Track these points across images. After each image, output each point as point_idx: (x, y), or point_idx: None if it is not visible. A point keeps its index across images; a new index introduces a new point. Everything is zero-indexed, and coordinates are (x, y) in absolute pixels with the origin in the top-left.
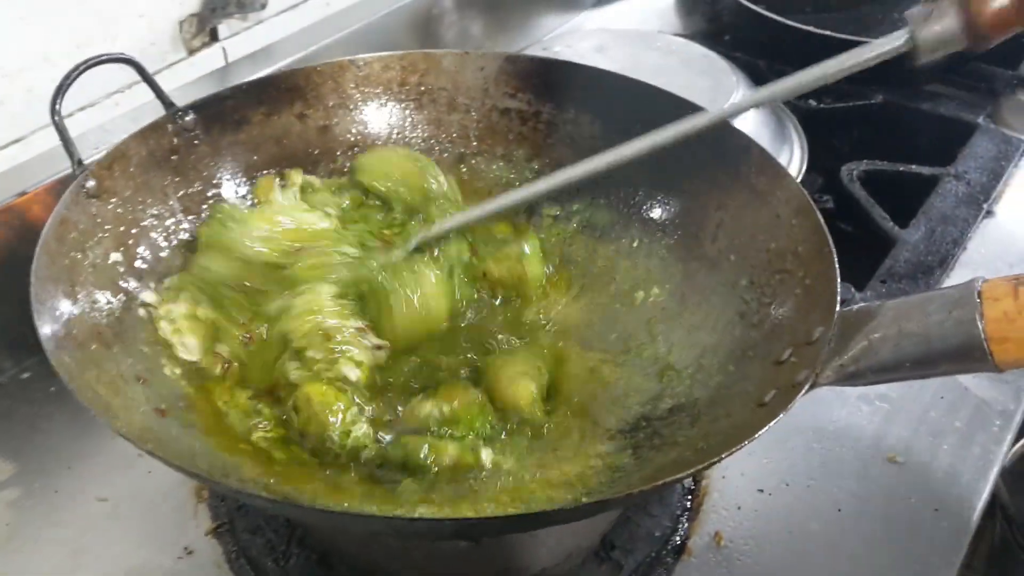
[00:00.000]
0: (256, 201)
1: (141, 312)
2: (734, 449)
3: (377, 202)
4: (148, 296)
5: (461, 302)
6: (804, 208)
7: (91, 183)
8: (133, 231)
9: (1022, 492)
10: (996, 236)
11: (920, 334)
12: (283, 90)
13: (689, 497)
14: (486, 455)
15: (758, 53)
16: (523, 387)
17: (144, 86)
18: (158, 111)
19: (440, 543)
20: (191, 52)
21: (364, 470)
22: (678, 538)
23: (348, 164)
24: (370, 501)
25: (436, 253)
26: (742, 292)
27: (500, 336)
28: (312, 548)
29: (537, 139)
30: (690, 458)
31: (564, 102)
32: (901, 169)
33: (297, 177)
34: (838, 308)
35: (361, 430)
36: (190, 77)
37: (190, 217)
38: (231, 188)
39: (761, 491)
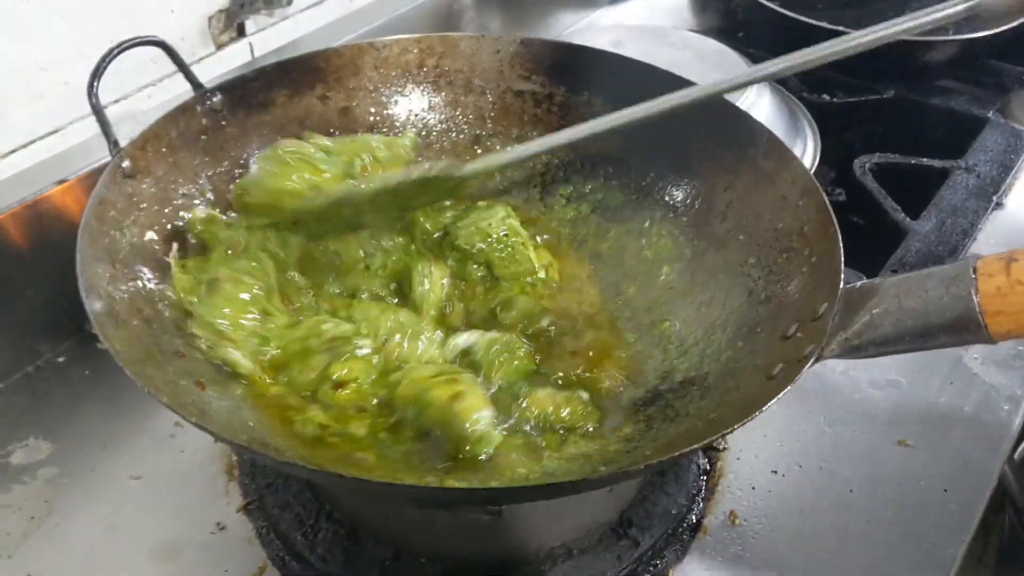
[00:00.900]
0: None
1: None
2: (745, 420)
3: None
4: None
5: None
6: (810, 189)
7: (126, 163)
8: (166, 210)
9: None
10: (1005, 227)
11: (919, 309)
12: (305, 72)
13: (704, 477)
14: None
15: (772, 49)
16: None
17: (173, 80)
18: None
19: (465, 517)
20: (219, 47)
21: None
22: (694, 516)
23: None
24: (404, 473)
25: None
26: (750, 270)
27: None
28: (340, 523)
29: (551, 121)
30: (702, 429)
31: (577, 85)
32: (912, 162)
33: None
34: (842, 285)
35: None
36: (218, 71)
37: (221, 196)
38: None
39: (775, 472)
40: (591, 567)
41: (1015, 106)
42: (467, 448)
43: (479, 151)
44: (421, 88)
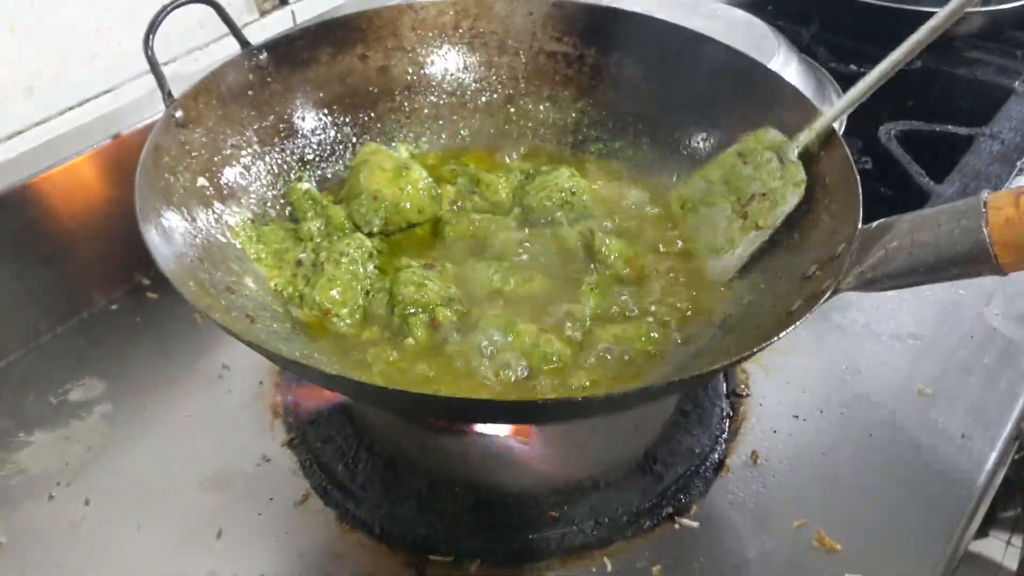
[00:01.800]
0: None
1: (226, 231)
2: (764, 345)
3: None
4: (231, 218)
5: None
6: (832, 141)
7: (179, 113)
8: (216, 158)
9: None
10: None
11: (931, 243)
12: (347, 32)
13: (727, 421)
14: None
15: (800, 21)
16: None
17: (219, 45)
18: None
19: (497, 448)
20: (263, 14)
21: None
22: (717, 456)
23: (405, 103)
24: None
25: None
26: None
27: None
28: (379, 455)
29: (582, 81)
30: (722, 356)
31: (609, 46)
32: (937, 129)
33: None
34: (859, 226)
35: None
36: (261, 38)
37: (266, 148)
38: (301, 123)
39: (796, 417)
40: (617, 499)
41: None
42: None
43: (512, 110)
44: (457, 49)
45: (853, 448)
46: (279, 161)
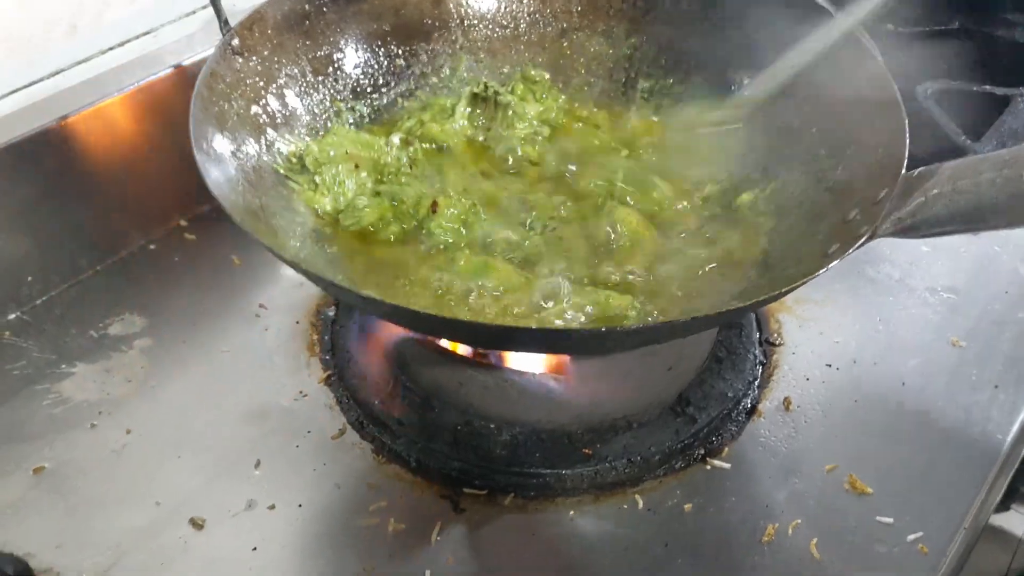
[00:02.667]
0: None
1: (277, 159)
2: (795, 286)
3: None
4: (284, 146)
5: None
6: (883, 84)
7: (235, 41)
8: (270, 87)
9: None
10: None
11: (972, 191)
12: None
13: (760, 368)
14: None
15: None
16: None
17: None
18: None
19: (533, 385)
20: None
21: None
22: (749, 401)
23: (459, 34)
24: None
25: None
26: (821, 162)
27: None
28: (415, 392)
29: (636, 15)
30: (755, 294)
31: None
32: (975, 88)
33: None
34: (903, 172)
35: None
36: None
37: (319, 78)
38: (355, 54)
39: (829, 366)
40: (651, 438)
41: None
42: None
43: (565, 44)
44: None
45: (885, 396)
46: (332, 91)
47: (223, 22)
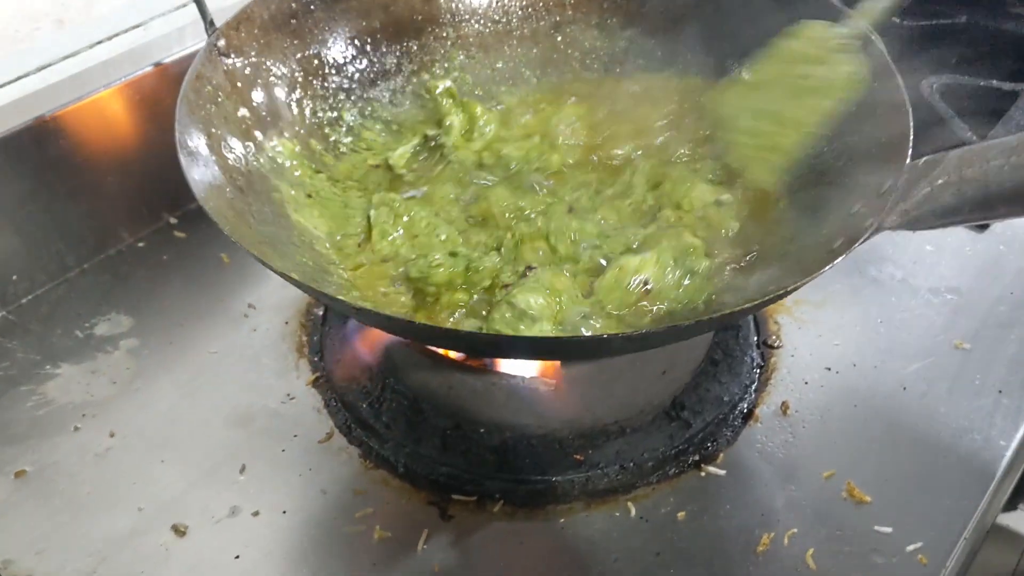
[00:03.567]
0: None
1: (265, 162)
2: (797, 285)
3: None
4: (272, 147)
5: None
6: (885, 71)
7: (222, 42)
8: (258, 88)
9: None
10: None
11: (979, 179)
12: None
13: (758, 371)
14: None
15: None
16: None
17: None
18: None
19: (522, 389)
20: None
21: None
22: (746, 405)
23: (451, 30)
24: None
25: None
26: (824, 153)
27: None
28: (403, 395)
29: (630, 7)
30: (757, 296)
31: None
32: (981, 83)
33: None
34: (907, 162)
35: None
36: None
37: (308, 77)
38: (344, 52)
39: (828, 369)
40: (644, 444)
41: None
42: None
43: (559, 38)
44: None
45: (886, 402)
46: (321, 90)
47: (208, 22)
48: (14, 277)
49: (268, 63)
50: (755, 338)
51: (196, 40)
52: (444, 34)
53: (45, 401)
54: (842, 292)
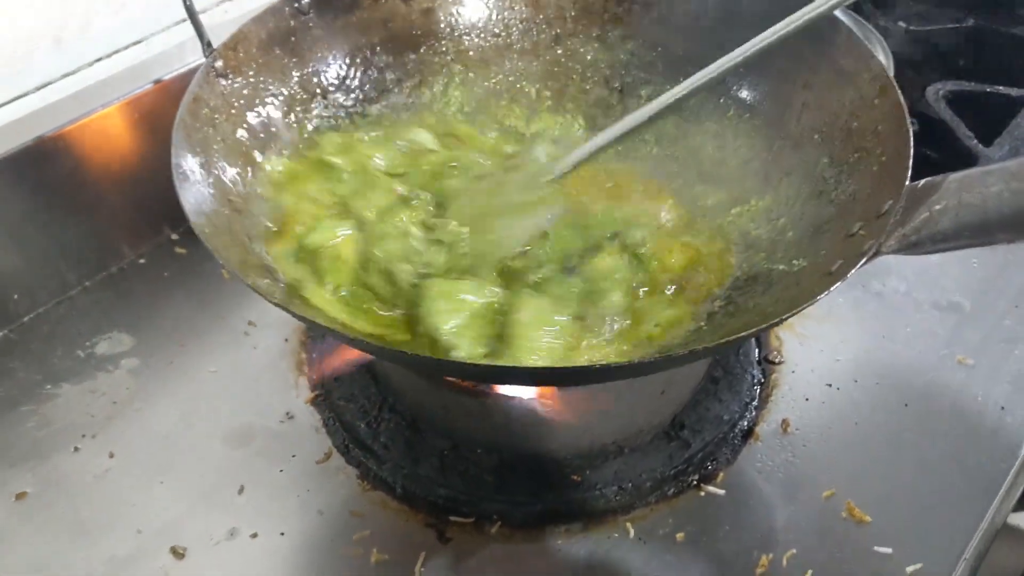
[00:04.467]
0: None
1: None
2: (798, 310)
3: None
4: (272, 169)
5: None
6: (886, 87)
7: (219, 63)
8: (257, 108)
9: None
10: None
11: (978, 204)
12: None
13: (758, 388)
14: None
15: None
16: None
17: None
18: None
19: (520, 411)
20: None
21: None
22: (746, 423)
23: (450, 45)
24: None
25: None
26: (823, 170)
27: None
28: (402, 415)
29: (632, 20)
30: (757, 320)
31: None
32: (988, 90)
33: None
34: (907, 183)
35: None
36: None
37: (307, 95)
38: (343, 70)
39: (829, 386)
40: (642, 464)
41: None
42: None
43: (559, 51)
44: None
45: (887, 419)
46: (321, 109)
47: (206, 44)
48: (15, 296)
49: (267, 82)
50: (756, 354)
51: (196, 56)
52: (443, 48)
53: (46, 422)
54: (844, 306)
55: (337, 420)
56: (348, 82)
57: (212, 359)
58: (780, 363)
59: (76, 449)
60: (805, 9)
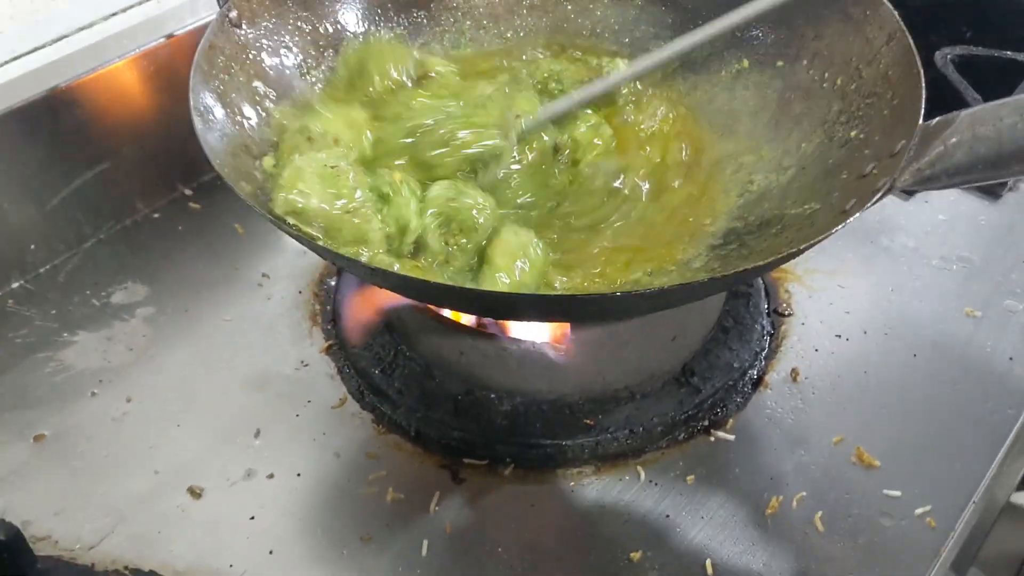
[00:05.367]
0: None
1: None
2: (809, 244)
3: None
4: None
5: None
6: (896, 32)
7: (234, 13)
8: (270, 58)
9: None
10: None
11: (993, 137)
12: None
13: (768, 338)
14: None
15: None
16: None
17: None
18: None
19: (534, 355)
20: None
21: None
22: (756, 371)
23: (459, 1)
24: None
25: None
26: (834, 117)
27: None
28: (415, 362)
29: None
30: (770, 255)
31: None
32: (996, 54)
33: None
34: (920, 122)
35: None
36: None
37: (320, 48)
38: (355, 22)
39: (839, 336)
40: (653, 409)
41: None
42: None
43: (569, 7)
44: None
45: (896, 368)
46: (333, 61)
47: None
48: (32, 246)
49: (280, 33)
50: (765, 306)
51: (209, 11)
52: (454, 4)
53: (63, 367)
54: (853, 261)
55: (352, 367)
56: (359, 36)
57: (227, 309)
58: (789, 315)
59: (93, 394)
60: None
